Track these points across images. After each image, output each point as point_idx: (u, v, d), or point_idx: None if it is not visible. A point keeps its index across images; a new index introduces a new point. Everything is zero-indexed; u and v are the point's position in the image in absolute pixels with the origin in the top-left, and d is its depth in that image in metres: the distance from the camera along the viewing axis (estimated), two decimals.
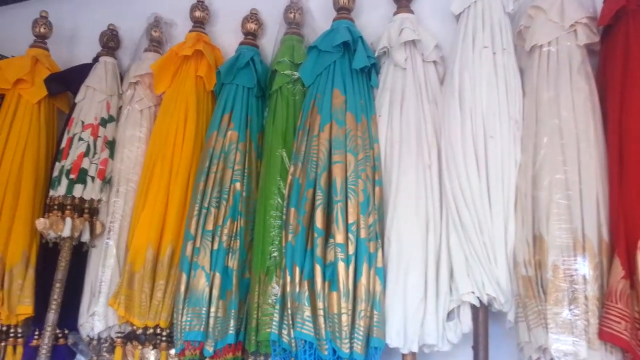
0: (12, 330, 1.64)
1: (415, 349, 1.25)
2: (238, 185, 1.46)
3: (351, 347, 1.19)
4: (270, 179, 1.45)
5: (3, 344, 1.64)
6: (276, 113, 1.50)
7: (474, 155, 1.29)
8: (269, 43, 1.70)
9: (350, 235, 1.23)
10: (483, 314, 1.25)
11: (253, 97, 1.58)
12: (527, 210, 1.24)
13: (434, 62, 1.48)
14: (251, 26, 1.68)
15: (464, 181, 1.27)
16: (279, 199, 1.41)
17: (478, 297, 1.22)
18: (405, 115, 1.40)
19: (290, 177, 1.36)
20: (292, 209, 1.30)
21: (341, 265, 1.21)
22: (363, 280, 1.23)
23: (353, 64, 1.41)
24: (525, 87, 1.34)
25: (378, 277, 1.26)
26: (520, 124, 1.31)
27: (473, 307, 1.25)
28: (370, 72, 1.48)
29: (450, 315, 1.28)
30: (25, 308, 1.62)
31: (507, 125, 1.29)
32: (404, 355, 1.28)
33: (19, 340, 1.65)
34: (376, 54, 1.49)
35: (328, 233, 1.26)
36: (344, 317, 1.19)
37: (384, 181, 1.37)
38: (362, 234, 1.25)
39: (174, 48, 1.68)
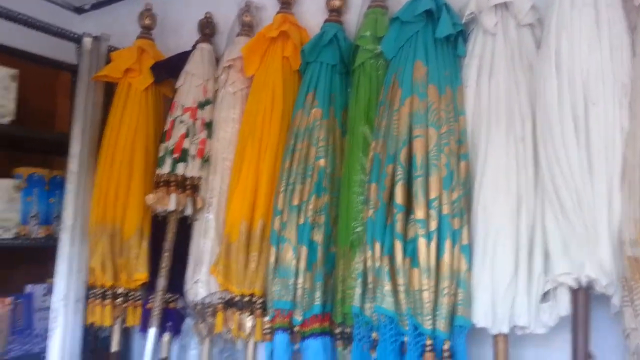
0: (131, 294, 1.86)
1: (505, 330, 1.20)
2: (322, 162, 1.49)
3: (434, 324, 1.18)
4: (354, 155, 1.45)
5: (125, 305, 1.87)
6: (359, 89, 1.49)
7: (573, 125, 1.18)
8: (354, 18, 1.68)
9: (431, 211, 1.20)
10: (583, 296, 1.16)
11: (337, 74, 1.58)
12: (636, 184, 1.12)
13: (530, 25, 1.36)
14: (335, 3, 1.67)
15: (562, 154, 1.17)
16: (362, 175, 1.41)
17: (576, 279, 1.14)
18: (495, 85, 1.31)
19: (371, 152, 1.35)
20: (373, 185, 1.29)
21: (422, 242, 1.19)
22: (446, 257, 1.20)
23: (436, 32, 1.34)
24: (635, 46, 1.18)
25: (463, 255, 1.22)
26: (628, 88, 1.17)
27: (572, 289, 1.16)
28: (456, 40, 1.41)
29: (545, 297, 1.21)
30: (141, 275, 1.82)
31: (611, 89, 1.16)
32: (494, 337, 1.23)
33: (138, 302, 1.86)
34: (463, 21, 1.41)
35: (409, 209, 1.24)
36: (426, 294, 1.17)
37: (471, 155, 1.31)
38: (445, 210, 1.21)
39: (262, 31, 1.73)
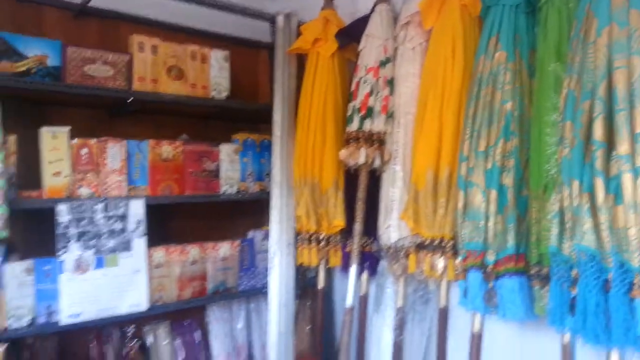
0: (332, 238, 2.13)
1: None
2: (508, 105, 1.49)
3: None
4: (544, 95, 1.42)
5: (327, 248, 2.15)
6: (547, 26, 1.44)
7: None
8: None
9: (637, 146, 1.14)
10: None
11: (521, 14, 1.54)
12: None
13: None
14: None
15: None
16: (554, 115, 1.38)
17: None
18: None
19: (564, 90, 1.31)
20: (568, 123, 1.26)
21: (627, 177, 1.14)
22: None
23: None
24: None
25: None
26: None
27: None
28: None
29: None
30: (338, 222, 2.06)
31: None
32: None
33: (338, 246, 2.12)
34: None
35: (610, 145, 1.19)
36: (632, 231, 1.13)
37: None
38: None
39: None
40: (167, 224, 2.16)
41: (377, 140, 1.93)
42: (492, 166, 1.49)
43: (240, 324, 2.44)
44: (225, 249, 2.18)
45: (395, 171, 1.88)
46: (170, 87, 2.05)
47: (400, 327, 1.86)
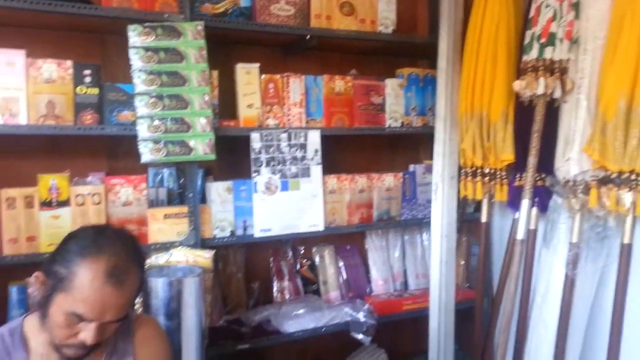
0: (498, 173, 2.11)
1: None
2: None
3: None
4: None
5: (492, 182, 2.14)
6: None
7: None
8: None
9: None
10: None
11: None
12: None
13: None
14: None
15: None
16: None
17: None
18: None
19: None
20: None
21: None
22: None
23: None
24: None
25: None
26: None
27: None
28: None
29: None
30: (507, 156, 2.02)
31: None
32: None
33: (504, 180, 2.09)
34: None
35: None
36: None
37: None
38: None
39: None
40: (334, 155, 2.31)
41: (558, 69, 1.83)
42: None
43: (397, 253, 2.58)
44: (389, 180, 2.29)
45: (579, 101, 1.78)
46: (342, 23, 2.13)
47: (574, 263, 1.82)
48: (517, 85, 1.91)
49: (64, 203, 1.71)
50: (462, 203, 2.33)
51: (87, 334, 0.97)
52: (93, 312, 0.96)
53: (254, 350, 1.99)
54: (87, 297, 0.94)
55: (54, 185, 1.69)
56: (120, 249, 1.00)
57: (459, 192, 2.26)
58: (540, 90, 1.85)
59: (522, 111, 1.99)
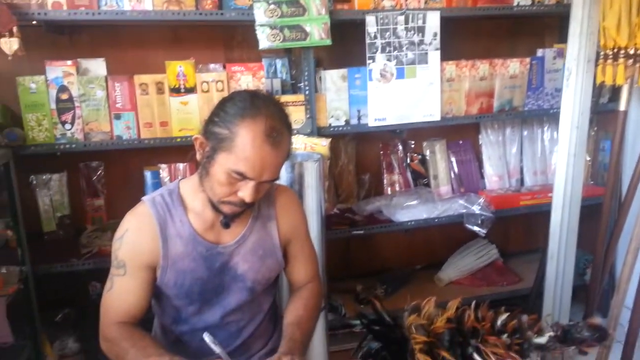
0: None
1: None
2: None
3: None
4: None
5: (637, 65, 1.87)
6: None
7: None
8: None
9: None
10: None
11: None
12: None
13: None
14: None
15: None
16: None
17: None
18: None
19: None
20: None
21: None
22: None
23: None
24: None
25: None
26: None
27: None
28: None
29: None
30: None
31: None
32: None
33: None
34: None
35: None
36: None
37: None
38: None
39: None
40: (452, 41, 2.15)
41: None
42: None
43: (514, 149, 2.44)
44: (514, 66, 2.10)
45: None
46: None
47: None
48: None
49: (191, 90, 1.78)
50: (595, 92, 2.10)
51: (245, 192, 1.01)
52: (254, 171, 0.99)
53: (365, 240, 2.06)
54: (249, 155, 0.97)
55: (181, 72, 1.75)
56: (273, 110, 1.02)
57: (594, 78, 2.02)
58: None
59: None
